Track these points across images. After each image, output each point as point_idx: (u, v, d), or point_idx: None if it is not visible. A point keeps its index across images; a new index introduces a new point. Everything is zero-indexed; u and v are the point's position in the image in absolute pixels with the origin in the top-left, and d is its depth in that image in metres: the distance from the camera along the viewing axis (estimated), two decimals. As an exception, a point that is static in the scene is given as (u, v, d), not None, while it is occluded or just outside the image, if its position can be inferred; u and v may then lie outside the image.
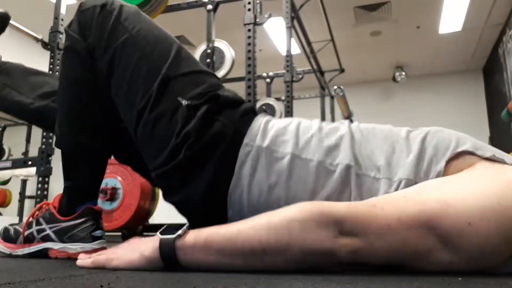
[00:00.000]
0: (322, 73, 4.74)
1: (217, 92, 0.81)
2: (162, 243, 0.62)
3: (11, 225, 0.99)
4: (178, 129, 0.76)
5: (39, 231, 0.93)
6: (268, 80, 4.27)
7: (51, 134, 2.05)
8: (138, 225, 2.67)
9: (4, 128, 5.89)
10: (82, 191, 0.93)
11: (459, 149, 0.67)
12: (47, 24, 2.27)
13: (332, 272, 0.59)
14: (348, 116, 5.10)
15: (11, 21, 1.44)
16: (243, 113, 0.80)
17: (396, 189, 0.66)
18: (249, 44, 2.19)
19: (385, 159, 0.70)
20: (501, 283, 0.50)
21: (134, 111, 0.81)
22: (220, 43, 3.20)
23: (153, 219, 2.99)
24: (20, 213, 5.07)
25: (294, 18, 3.33)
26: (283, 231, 0.57)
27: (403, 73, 6.56)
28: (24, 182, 5.37)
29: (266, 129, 0.78)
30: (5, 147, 5.97)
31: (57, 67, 2.14)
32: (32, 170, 2.02)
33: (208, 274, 0.58)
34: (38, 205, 0.98)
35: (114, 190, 2.50)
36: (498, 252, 0.57)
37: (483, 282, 0.50)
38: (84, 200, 0.92)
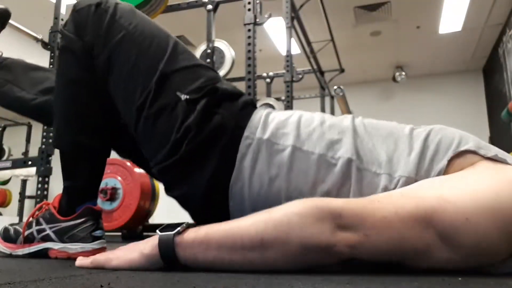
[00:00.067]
0: (322, 73, 4.74)
1: (215, 85, 0.81)
2: (161, 240, 0.62)
3: (11, 225, 0.99)
4: (178, 124, 0.77)
5: (39, 231, 0.93)
6: (268, 80, 4.27)
7: (51, 134, 2.05)
8: (138, 225, 2.67)
9: (4, 128, 5.90)
10: (82, 191, 0.93)
11: (461, 148, 0.67)
12: (47, 24, 2.27)
13: (332, 272, 0.59)
14: (348, 116, 5.09)
15: (11, 21, 1.45)
16: (242, 106, 0.81)
17: (396, 185, 0.66)
18: (249, 44, 2.20)
19: (386, 155, 0.70)
20: (501, 283, 0.50)
21: (134, 107, 0.81)
22: (220, 43, 3.20)
23: (153, 219, 2.99)
24: (20, 213, 5.08)
25: (294, 18, 3.33)
26: (282, 224, 0.57)
27: (403, 73, 6.56)
28: (24, 182, 5.38)
29: (267, 121, 0.78)
30: (5, 147, 5.98)
31: (57, 67, 2.15)
32: (32, 170, 2.02)
33: (208, 274, 0.58)
34: (38, 205, 0.98)
35: (114, 190, 2.50)
36: (496, 249, 0.57)
37: (483, 282, 0.50)
38: (84, 200, 0.92)
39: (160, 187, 2.66)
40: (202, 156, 0.76)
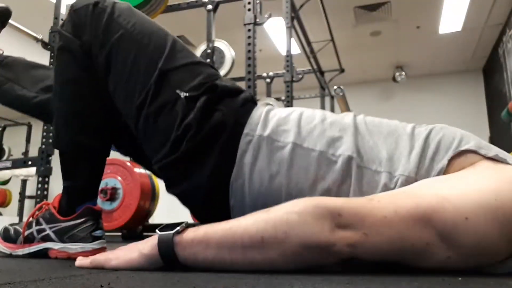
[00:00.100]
0: (322, 73, 4.74)
1: (215, 82, 0.81)
2: (160, 239, 0.62)
3: (11, 225, 0.99)
4: (179, 122, 0.77)
5: (39, 231, 0.93)
6: (268, 80, 4.27)
7: (51, 134, 2.05)
8: (138, 225, 2.67)
9: (4, 128, 5.90)
10: (82, 191, 0.93)
11: (462, 148, 0.67)
12: (47, 24, 2.28)
13: (332, 272, 0.59)
14: (348, 116, 5.10)
15: (11, 21, 1.45)
16: (242, 103, 0.81)
17: (396, 184, 0.66)
18: (249, 44, 2.19)
19: (387, 153, 0.70)
20: (501, 283, 0.50)
21: (133, 106, 0.81)
22: (220, 43, 3.20)
23: (153, 219, 2.99)
24: (20, 213, 5.08)
25: (294, 18, 3.33)
26: (282, 223, 0.57)
27: (403, 73, 6.56)
28: (24, 182, 5.38)
29: (267, 118, 0.78)
30: (5, 147, 5.98)
31: (57, 67, 2.15)
32: (32, 170, 2.02)
33: (208, 274, 0.58)
34: (38, 205, 0.98)
35: (114, 190, 2.50)
36: (496, 249, 0.57)
37: (483, 282, 0.50)
38: (84, 200, 0.92)
39: (160, 187, 2.66)
40: (202, 153, 0.76)
